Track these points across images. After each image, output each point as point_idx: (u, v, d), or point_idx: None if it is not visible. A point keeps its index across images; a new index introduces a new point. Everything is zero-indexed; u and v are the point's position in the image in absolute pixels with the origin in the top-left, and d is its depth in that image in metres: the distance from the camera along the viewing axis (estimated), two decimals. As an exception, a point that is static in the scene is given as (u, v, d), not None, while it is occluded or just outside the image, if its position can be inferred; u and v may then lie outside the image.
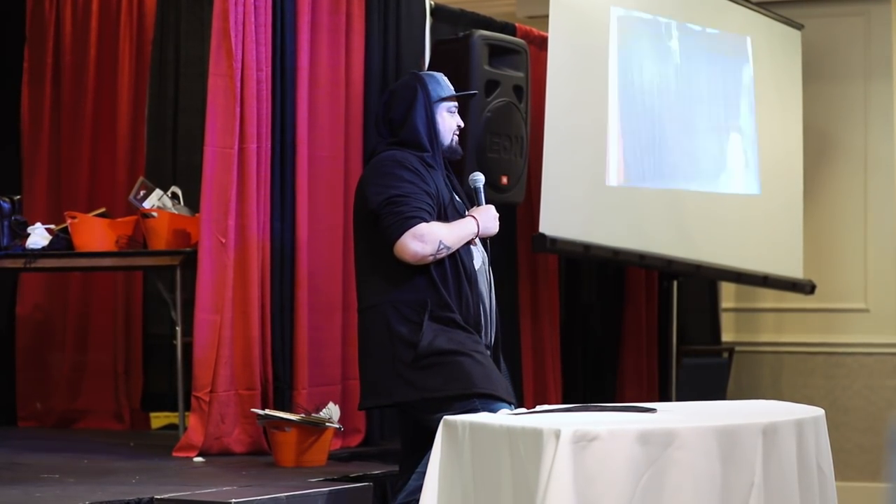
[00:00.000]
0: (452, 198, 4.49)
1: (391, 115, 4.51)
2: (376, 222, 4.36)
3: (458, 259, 4.38)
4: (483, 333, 4.43)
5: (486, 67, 6.01)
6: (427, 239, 4.28)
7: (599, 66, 6.73)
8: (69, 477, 4.95)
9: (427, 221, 4.30)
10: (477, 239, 4.48)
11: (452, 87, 4.61)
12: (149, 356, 7.23)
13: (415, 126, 4.45)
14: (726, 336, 8.54)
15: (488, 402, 4.24)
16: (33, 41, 7.36)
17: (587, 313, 8.04)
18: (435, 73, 4.63)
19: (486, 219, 4.49)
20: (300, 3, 5.86)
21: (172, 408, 6.72)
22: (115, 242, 6.20)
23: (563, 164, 6.50)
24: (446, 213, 4.41)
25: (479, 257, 4.48)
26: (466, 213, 4.50)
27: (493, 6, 8.22)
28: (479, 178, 4.57)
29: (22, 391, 7.22)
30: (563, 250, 6.60)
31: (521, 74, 6.20)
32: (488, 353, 4.41)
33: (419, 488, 4.18)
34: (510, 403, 4.29)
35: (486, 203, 4.56)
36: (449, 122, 4.54)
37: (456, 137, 4.56)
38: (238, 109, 5.62)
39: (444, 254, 4.33)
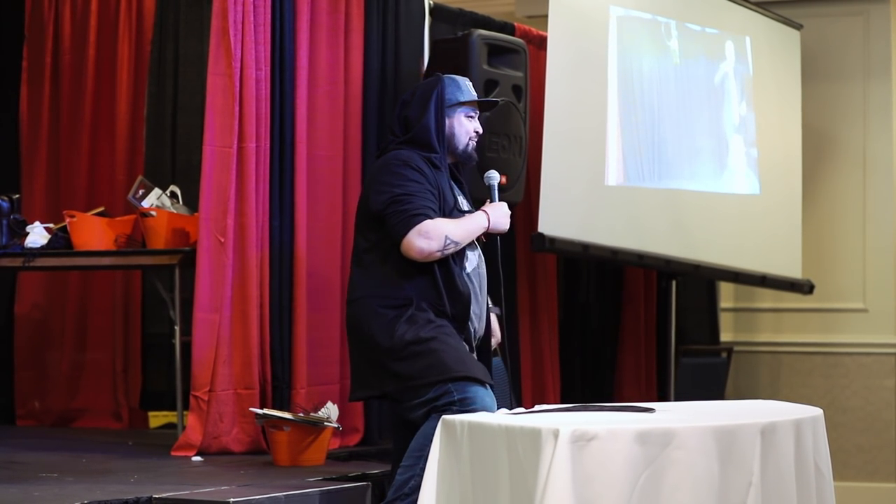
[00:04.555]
0: (457, 201, 4.54)
1: (407, 114, 4.56)
2: (380, 222, 4.40)
3: (448, 260, 4.41)
4: (471, 333, 4.48)
5: (485, 67, 6.00)
6: (432, 235, 4.33)
7: (599, 66, 6.73)
8: (67, 476, 4.95)
9: (432, 218, 4.34)
10: (476, 242, 4.54)
11: (475, 94, 4.68)
12: (147, 355, 7.23)
13: (426, 126, 4.49)
14: (725, 336, 8.53)
15: (463, 384, 4.28)
16: (32, 40, 7.36)
17: (586, 313, 8.04)
18: (458, 78, 4.69)
19: (498, 214, 4.57)
20: (299, 2, 5.86)
21: (171, 407, 6.72)
22: (113, 241, 6.20)
23: (562, 163, 6.50)
24: (450, 216, 4.46)
25: (474, 260, 4.53)
26: (481, 208, 4.57)
27: (492, 6, 8.21)
28: (493, 176, 4.68)
29: (20, 390, 7.22)
30: (561, 250, 6.59)
31: (520, 74, 6.19)
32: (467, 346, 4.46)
33: (404, 483, 4.23)
34: (486, 385, 4.33)
35: (499, 201, 4.64)
36: (466, 126, 4.60)
37: (472, 143, 4.62)
38: (237, 108, 5.62)
39: (451, 249, 4.38)
